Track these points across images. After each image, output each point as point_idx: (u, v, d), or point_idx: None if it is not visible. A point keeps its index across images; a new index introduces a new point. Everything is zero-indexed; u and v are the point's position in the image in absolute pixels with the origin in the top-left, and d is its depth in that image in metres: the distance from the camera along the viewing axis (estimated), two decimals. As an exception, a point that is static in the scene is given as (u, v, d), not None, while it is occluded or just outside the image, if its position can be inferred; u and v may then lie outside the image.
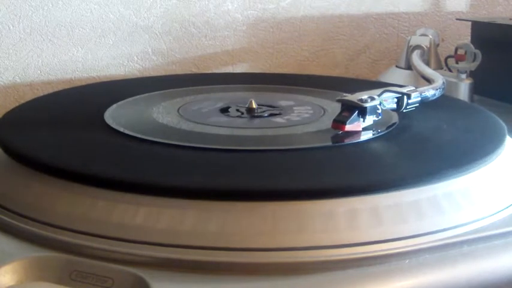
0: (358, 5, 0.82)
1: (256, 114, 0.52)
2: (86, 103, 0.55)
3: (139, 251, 0.32)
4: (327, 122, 0.47)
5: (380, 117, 0.46)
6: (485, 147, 0.42)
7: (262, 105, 0.54)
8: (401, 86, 0.50)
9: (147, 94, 0.58)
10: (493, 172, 0.41)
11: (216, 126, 0.48)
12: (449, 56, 0.71)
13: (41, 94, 0.68)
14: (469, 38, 0.75)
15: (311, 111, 0.52)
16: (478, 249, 0.34)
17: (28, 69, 0.69)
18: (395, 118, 0.49)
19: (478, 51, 0.64)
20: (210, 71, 0.77)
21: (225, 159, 0.41)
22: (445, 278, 0.32)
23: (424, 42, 0.70)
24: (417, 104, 0.49)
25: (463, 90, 0.65)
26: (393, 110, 0.48)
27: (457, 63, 0.66)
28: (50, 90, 0.69)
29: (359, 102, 0.44)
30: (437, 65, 0.71)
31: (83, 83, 0.70)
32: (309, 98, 0.58)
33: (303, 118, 0.51)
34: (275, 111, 0.53)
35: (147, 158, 0.41)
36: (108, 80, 0.71)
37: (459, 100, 0.62)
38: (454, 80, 0.65)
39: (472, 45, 0.65)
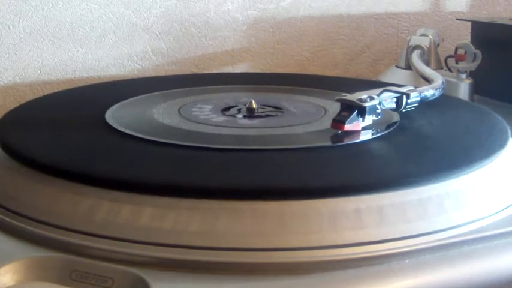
0: (358, 5, 0.82)
1: (256, 114, 0.52)
2: (86, 103, 0.55)
3: (139, 251, 0.32)
4: (327, 122, 0.47)
5: (379, 116, 0.46)
6: (487, 147, 0.42)
7: (262, 105, 0.54)
8: (401, 86, 0.50)
9: (147, 94, 0.58)
10: (494, 172, 0.41)
11: (217, 126, 0.48)
12: (449, 56, 0.71)
13: (41, 94, 0.68)
14: (469, 38, 0.75)
15: (311, 111, 0.52)
16: (478, 249, 0.34)
17: (28, 69, 0.69)
18: (396, 118, 0.49)
19: (478, 51, 0.64)
20: (210, 71, 0.77)
21: (226, 159, 0.41)
22: (445, 278, 0.33)
23: (424, 42, 0.70)
24: (417, 104, 0.49)
25: (463, 90, 0.65)
26: (392, 109, 0.48)
27: (457, 63, 0.66)
28: (50, 90, 0.69)
29: (358, 102, 0.44)
30: (437, 65, 0.70)
31: (83, 83, 0.70)
32: (309, 98, 0.58)
33: (303, 118, 0.51)
34: (275, 111, 0.53)
35: (148, 158, 0.41)
36: (108, 80, 0.71)
37: (461, 100, 0.62)
38: (454, 80, 0.65)
39: (472, 45, 0.65)
